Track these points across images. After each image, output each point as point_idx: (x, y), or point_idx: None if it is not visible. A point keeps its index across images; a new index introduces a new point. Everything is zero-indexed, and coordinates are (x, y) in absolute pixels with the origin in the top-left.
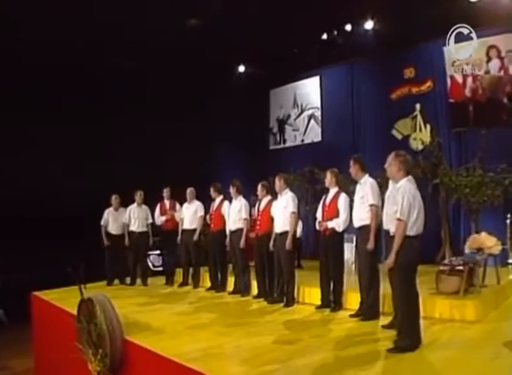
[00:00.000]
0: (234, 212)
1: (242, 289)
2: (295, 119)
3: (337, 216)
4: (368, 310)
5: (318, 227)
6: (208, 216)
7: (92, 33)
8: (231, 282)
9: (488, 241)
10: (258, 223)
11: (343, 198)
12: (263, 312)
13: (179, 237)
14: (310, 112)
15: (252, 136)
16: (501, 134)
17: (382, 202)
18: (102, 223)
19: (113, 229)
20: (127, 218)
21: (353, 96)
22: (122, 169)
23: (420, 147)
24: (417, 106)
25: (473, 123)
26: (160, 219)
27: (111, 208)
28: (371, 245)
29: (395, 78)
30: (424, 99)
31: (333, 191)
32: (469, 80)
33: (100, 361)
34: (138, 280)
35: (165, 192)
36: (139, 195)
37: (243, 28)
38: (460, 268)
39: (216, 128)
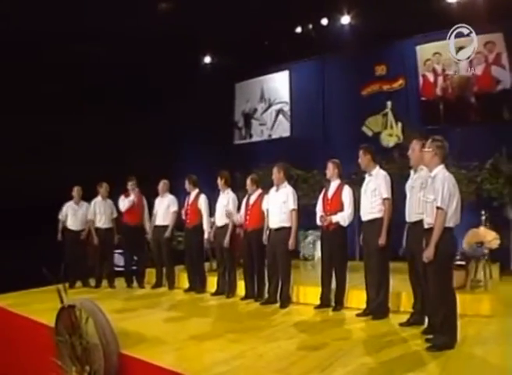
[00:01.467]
0: (221, 206)
1: (227, 290)
2: (262, 114)
3: (341, 209)
4: (378, 308)
5: (319, 222)
6: (182, 211)
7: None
8: (211, 282)
9: (488, 235)
10: (248, 218)
11: (347, 191)
12: (263, 315)
13: (149, 235)
14: (278, 106)
15: (216, 130)
16: (470, 133)
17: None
18: (60, 217)
19: (72, 224)
20: (92, 213)
21: (323, 91)
22: (81, 164)
23: (391, 144)
24: (389, 103)
25: (444, 121)
26: (124, 203)
27: (71, 202)
28: (382, 240)
29: (366, 75)
30: (396, 97)
31: (335, 183)
32: (440, 79)
33: None
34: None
35: (130, 185)
36: (104, 188)
37: (212, 17)
38: (463, 263)
39: (179, 121)
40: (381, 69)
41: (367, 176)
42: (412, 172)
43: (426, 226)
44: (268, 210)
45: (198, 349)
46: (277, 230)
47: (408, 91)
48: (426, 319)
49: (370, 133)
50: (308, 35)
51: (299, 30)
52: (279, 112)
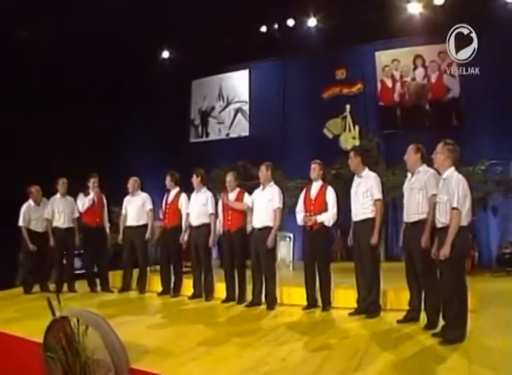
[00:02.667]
0: (198, 206)
1: (205, 292)
2: (220, 112)
3: (325, 209)
4: (371, 307)
5: (301, 222)
6: (161, 210)
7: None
8: (187, 285)
9: None
10: (230, 218)
11: (331, 191)
12: (256, 317)
13: (120, 236)
14: (237, 105)
15: (171, 127)
16: (426, 138)
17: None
18: (22, 223)
19: (37, 226)
20: (50, 212)
21: (284, 92)
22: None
23: (349, 147)
24: (347, 107)
25: (400, 126)
26: (83, 202)
27: (30, 202)
28: (375, 239)
29: (327, 78)
30: (354, 101)
31: (318, 183)
32: (398, 85)
33: None
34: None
35: (92, 183)
36: (61, 184)
37: (175, 10)
38: None
39: (133, 116)
40: (341, 73)
41: (356, 178)
42: (409, 174)
43: (440, 226)
44: (249, 208)
45: (215, 358)
46: (261, 229)
47: (367, 95)
48: (422, 316)
49: (330, 136)
50: (272, 35)
51: (264, 29)
52: (237, 111)
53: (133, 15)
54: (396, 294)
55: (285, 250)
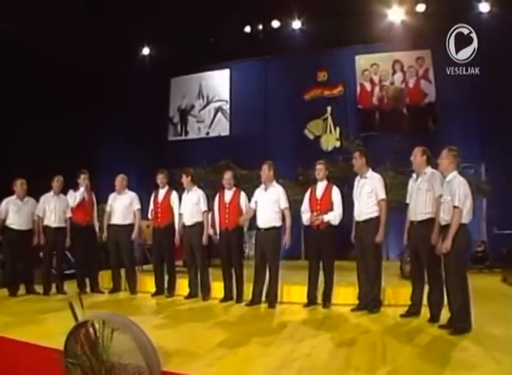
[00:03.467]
0: (191, 205)
1: (203, 292)
2: (200, 111)
3: (331, 209)
4: (373, 302)
5: (306, 221)
6: (153, 209)
7: None
8: (181, 284)
9: None
10: (227, 216)
11: (337, 192)
12: (262, 316)
13: (104, 234)
14: (217, 104)
15: (149, 125)
16: (404, 141)
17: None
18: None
19: (16, 223)
20: (41, 210)
21: (266, 93)
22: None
23: (330, 148)
24: (328, 109)
25: (379, 129)
26: (73, 197)
27: (13, 197)
28: (380, 238)
29: (309, 79)
30: (335, 103)
31: (323, 183)
32: (376, 89)
33: None
34: None
35: (82, 179)
36: (56, 182)
37: (158, 7)
38: None
39: (109, 114)
40: (322, 75)
41: (359, 178)
42: (414, 175)
43: (443, 223)
44: (253, 208)
45: (241, 357)
46: (267, 229)
47: (347, 98)
48: (422, 310)
49: (311, 137)
50: (256, 36)
51: (248, 29)
52: (218, 110)
53: (114, 10)
54: (393, 290)
55: None
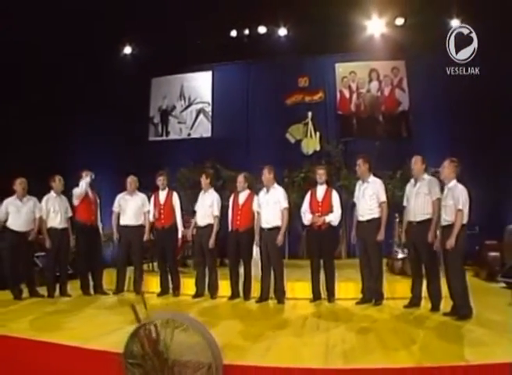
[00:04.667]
0: (204, 207)
1: (211, 290)
2: (181, 112)
3: (331, 211)
4: (377, 295)
5: (308, 222)
6: (156, 210)
7: None
8: (187, 284)
9: None
10: (238, 218)
11: (336, 195)
12: (275, 311)
13: (115, 235)
14: (199, 106)
15: (129, 124)
16: (381, 146)
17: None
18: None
19: (16, 224)
20: (45, 211)
21: (248, 96)
22: None
23: (310, 151)
24: (309, 114)
25: (356, 134)
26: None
27: (13, 198)
28: (382, 236)
29: (291, 85)
30: (316, 108)
31: (323, 187)
32: (354, 96)
33: None
34: None
35: (85, 175)
36: (58, 181)
37: (143, 7)
38: None
39: (89, 112)
40: (304, 81)
41: (361, 182)
42: (412, 181)
43: (445, 224)
44: (258, 211)
45: (286, 347)
46: (271, 229)
47: (327, 104)
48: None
49: (292, 140)
50: (240, 40)
51: (234, 33)
52: (199, 111)
53: (98, 7)
54: (390, 285)
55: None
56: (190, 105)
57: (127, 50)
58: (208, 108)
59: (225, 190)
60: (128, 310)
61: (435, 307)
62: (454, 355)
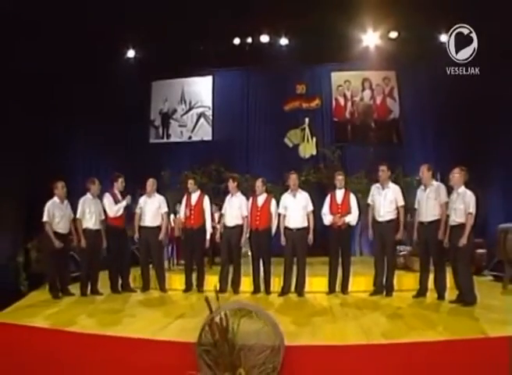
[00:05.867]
0: (233, 208)
1: (234, 286)
2: (182, 115)
3: (349, 212)
4: (388, 287)
5: (328, 222)
6: (186, 211)
7: None
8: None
9: None
10: (258, 218)
11: (354, 198)
12: (303, 303)
13: (136, 235)
14: (200, 110)
15: (129, 127)
16: (374, 152)
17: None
18: (46, 218)
19: (60, 226)
20: (81, 213)
21: (247, 101)
22: None
23: (307, 155)
24: (306, 120)
25: (350, 140)
26: (116, 209)
27: (55, 199)
28: (401, 235)
29: (289, 91)
30: (312, 114)
31: (342, 191)
32: (349, 104)
33: None
34: None
35: (120, 182)
36: (96, 184)
37: (150, 11)
38: None
39: (89, 115)
40: (301, 88)
41: (380, 187)
42: (422, 187)
43: (454, 224)
44: (281, 214)
45: (329, 331)
46: (299, 229)
47: (323, 110)
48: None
49: (290, 145)
50: (243, 48)
51: (237, 41)
52: (200, 115)
53: (105, 11)
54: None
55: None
56: (190, 108)
57: (130, 53)
58: (209, 113)
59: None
60: (170, 307)
61: (441, 296)
62: (475, 330)
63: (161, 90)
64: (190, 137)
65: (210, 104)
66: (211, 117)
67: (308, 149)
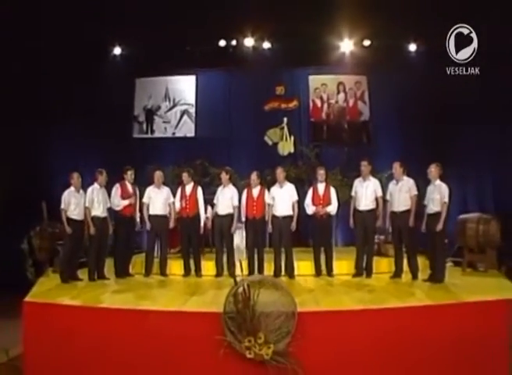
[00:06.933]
0: (225, 198)
1: (229, 270)
2: (166, 112)
3: (329, 203)
4: (369, 270)
5: (311, 212)
6: (181, 202)
7: None
8: (207, 266)
9: None
10: (254, 208)
11: (333, 190)
12: (297, 283)
13: (147, 224)
14: (183, 107)
15: (113, 122)
16: (347, 151)
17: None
18: (63, 206)
19: (76, 213)
20: (89, 201)
21: (230, 101)
22: None
23: (285, 153)
24: (285, 119)
25: (326, 139)
26: (122, 203)
27: (71, 189)
28: (380, 222)
29: (269, 92)
30: (291, 115)
31: (323, 184)
32: (325, 106)
33: (263, 344)
34: None
35: (130, 175)
36: (104, 175)
37: (139, 10)
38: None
39: (72, 108)
40: (280, 90)
41: (362, 180)
42: (395, 181)
43: (431, 212)
44: (270, 204)
45: (331, 300)
46: (285, 217)
47: (301, 111)
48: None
49: (270, 142)
50: (227, 50)
51: (222, 43)
52: (184, 113)
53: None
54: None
55: (239, 238)
56: (174, 105)
57: (117, 51)
58: (192, 110)
59: (211, 185)
60: (179, 287)
61: (415, 276)
62: (450, 298)
63: (145, 87)
64: (173, 133)
65: (193, 102)
66: (194, 115)
67: (287, 147)
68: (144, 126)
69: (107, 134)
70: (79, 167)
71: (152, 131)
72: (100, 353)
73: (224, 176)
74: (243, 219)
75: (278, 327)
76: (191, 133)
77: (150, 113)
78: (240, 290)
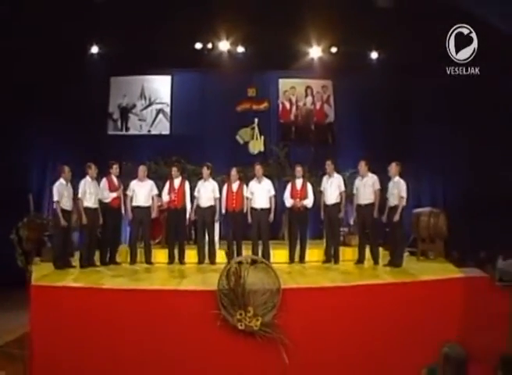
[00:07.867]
0: (207, 191)
1: (211, 258)
2: (142, 110)
3: (306, 197)
4: (336, 257)
5: (290, 204)
6: (170, 195)
7: None
8: (189, 254)
9: None
10: (234, 202)
11: (310, 186)
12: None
13: (130, 215)
14: (159, 106)
15: (89, 118)
16: (313, 151)
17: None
18: (57, 198)
19: (67, 205)
20: (82, 193)
21: (204, 101)
22: None
23: (256, 152)
24: (256, 120)
25: (294, 139)
26: (110, 196)
27: (62, 181)
28: (342, 214)
29: (241, 94)
30: (261, 116)
31: (300, 179)
32: (293, 108)
33: (252, 317)
34: None
35: (115, 168)
36: (93, 169)
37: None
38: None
39: (46, 105)
40: (252, 92)
41: (328, 177)
42: (360, 177)
43: (391, 205)
44: (249, 197)
45: (306, 280)
46: (263, 209)
47: (271, 112)
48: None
49: (241, 141)
50: (202, 52)
51: (198, 46)
52: (159, 111)
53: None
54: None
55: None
56: (150, 104)
57: (94, 49)
58: (167, 109)
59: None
60: (168, 272)
61: (376, 262)
62: (409, 277)
63: (120, 85)
64: (149, 131)
65: (168, 101)
66: (169, 113)
67: (257, 146)
68: (119, 123)
69: (83, 130)
70: (56, 162)
71: (127, 128)
72: (107, 330)
73: (205, 171)
74: (224, 211)
75: (264, 302)
76: (166, 131)
77: (125, 111)
78: (232, 269)
